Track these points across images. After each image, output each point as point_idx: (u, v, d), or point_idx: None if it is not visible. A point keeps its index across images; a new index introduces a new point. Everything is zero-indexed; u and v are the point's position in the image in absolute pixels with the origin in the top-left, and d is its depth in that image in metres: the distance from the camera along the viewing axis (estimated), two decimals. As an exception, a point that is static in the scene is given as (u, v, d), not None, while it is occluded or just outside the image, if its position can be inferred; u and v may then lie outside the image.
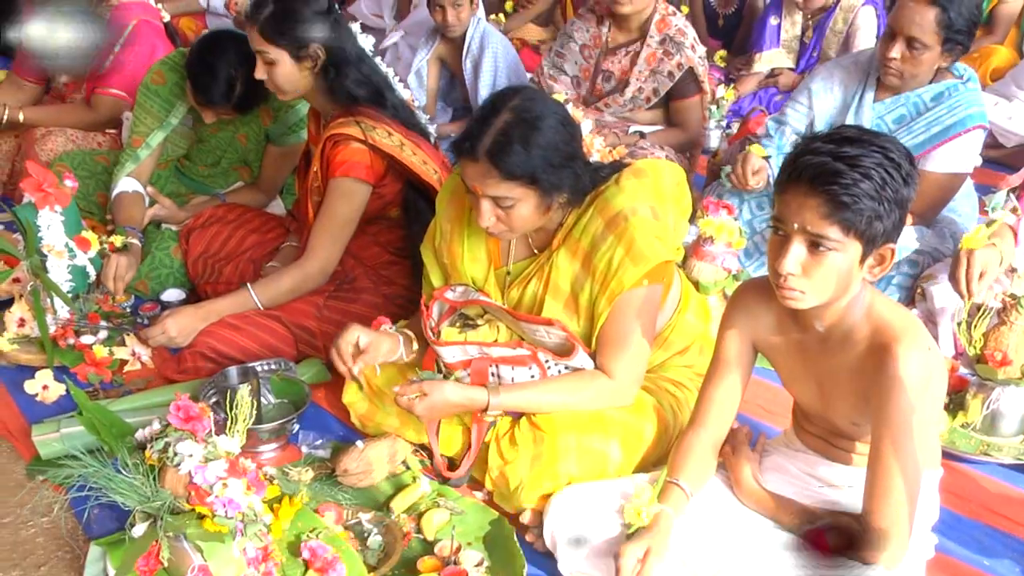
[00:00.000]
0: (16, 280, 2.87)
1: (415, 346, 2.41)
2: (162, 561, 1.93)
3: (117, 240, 3.02)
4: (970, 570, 2.15)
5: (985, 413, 2.55)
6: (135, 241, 3.08)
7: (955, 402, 2.59)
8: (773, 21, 5.10)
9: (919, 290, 2.94)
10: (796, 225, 1.71)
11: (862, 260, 1.74)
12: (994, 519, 2.32)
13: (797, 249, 1.73)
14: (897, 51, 2.96)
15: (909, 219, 2.95)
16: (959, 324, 2.62)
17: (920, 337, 1.81)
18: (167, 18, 4.00)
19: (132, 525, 1.99)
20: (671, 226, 2.20)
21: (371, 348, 2.33)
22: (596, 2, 3.96)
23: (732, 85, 5.05)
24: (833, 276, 1.74)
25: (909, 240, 3.06)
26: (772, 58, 5.10)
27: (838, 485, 2.02)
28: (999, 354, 2.52)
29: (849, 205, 1.66)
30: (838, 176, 1.66)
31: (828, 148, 1.70)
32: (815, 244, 1.71)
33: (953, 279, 2.65)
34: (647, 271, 2.13)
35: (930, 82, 3.06)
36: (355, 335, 2.33)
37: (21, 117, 3.71)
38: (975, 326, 2.58)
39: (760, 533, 1.96)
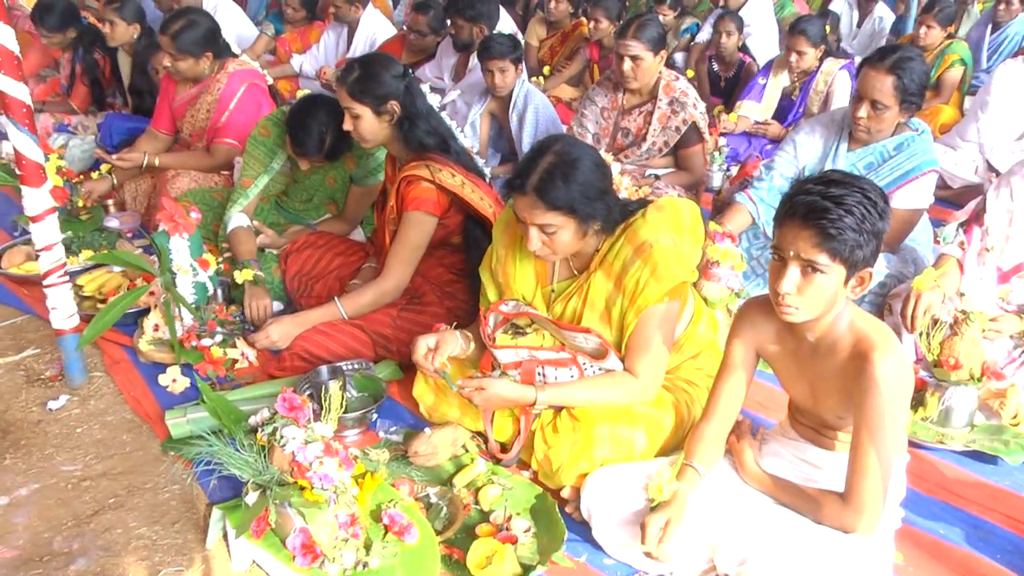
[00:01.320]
0: (152, 293, 2.89)
1: (472, 345, 2.40)
2: (271, 523, 1.95)
3: (246, 275, 3.01)
4: (929, 538, 2.13)
5: (941, 409, 2.51)
6: (260, 273, 3.08)
7: (916, 399, 2.54)
8: (760, 81, 5.10)
9: (887, 306, 2.91)
10: (792, 252, 1.71)
11: (846, 282, 1.74)
12: (948, 496, 2.29)
13: (793, 272, 1.72)
14: (864, 111, 2.95)
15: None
16: (919, 335, 2.59)
17: (893, 346, 1.80)
18: (271, 81, 4.03)
19: (246, 493, 2.00)
20: (687, 252, 2.18)
21: (440, 344, 2.32)
22: (613, 71, 3.95)
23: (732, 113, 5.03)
24: (822, 295, 1.74)
25: (880, 266, 3.03)
26: (749, 107, 5.07)
27: (824, 468, 1.99)
28: (952, 359, 2.48)
29: (835, 236, 1.66)
30: (826, 212, 1.66)
31: (818, 189, 1.70)
32: (808, 268, 1.71)
33: (902, 315, 2.65)
34: (667, 290, 2.12)
35: (892, 134, 3.04)
36: (425, 342, 2.33)
37: (157, 162, 3.76)
38: (932, 336, 2.54)
39: (760, 507, 1.94)
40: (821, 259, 1.68)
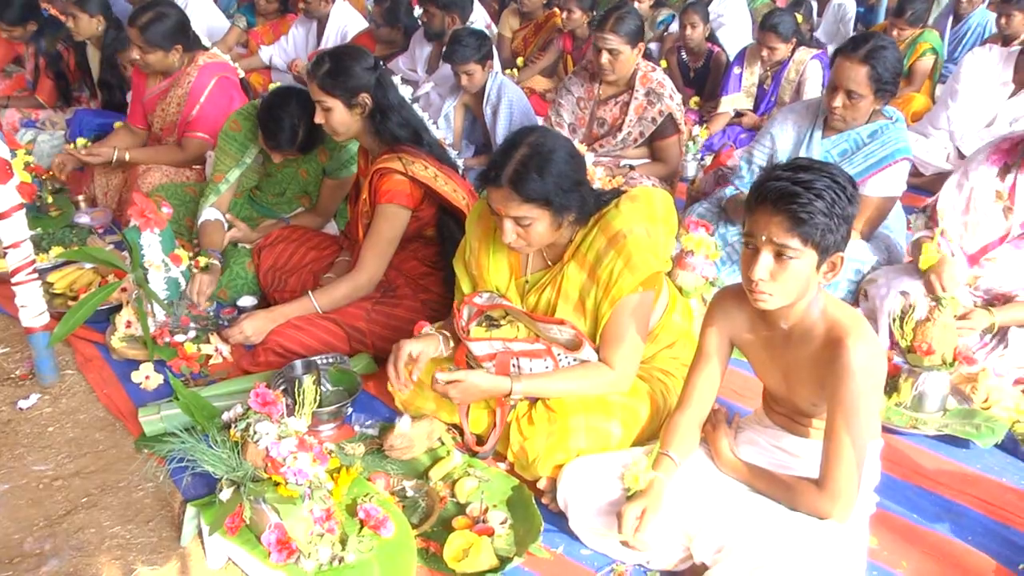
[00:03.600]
0: (124, 290, 2.86)
1: (451, 344, 2.39)
2: (245, 519, 1.93)
3: (202, 261, 3.01)
4: (903, 522, 2.15)
5: (914, 394, 2.53)
6: (215, 262, 3.07)
7: (890, 385, 2.56)
8: (736, 71, 5.13)
9: (863, 292, 2.92)
10: (764, 238, 1.72)
11: (818, 267, 1.74)
12: (922, 480, 2.31)
13: (765, 258, 1.73)
14: (839, 101, 2.96)
15: (855, 235, 2.96)
16: (893, 321, 2.61)
17: (866, 332, 1.80)
18: (242, 74, 3.98)
19: (220, 490, 1.98)
20: (661, 242, 2.18)
21: (421, 356, 2.30)
22: (589, 62, 3.95)
23: (704, 125, 5.06)
24: (795, 280, 1.74)
25: (867, 254, 3.05)
26: (733, 100, 5.12)
27: (799, 455, 1.99)
28: (925, 345, 2.50)
29: (807, 220, 1.66)
30: (796, 197, 1.66)
31: (787, 175, 1.70)
32: (780, 254, 1.71)
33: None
34: (641, 280, 2.12)
35: (867, 122, 3.05)
36: (408, 350, 2.29)
37: (127, 157, 3.71)
38: (906, 322, 2.56)
39: (736, 495, 1.94)
40: (793, 244, 1.69)
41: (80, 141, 3.99)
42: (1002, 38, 5.28)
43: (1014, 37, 5.15)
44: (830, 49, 5.40)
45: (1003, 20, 5.27)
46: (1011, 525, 2.14)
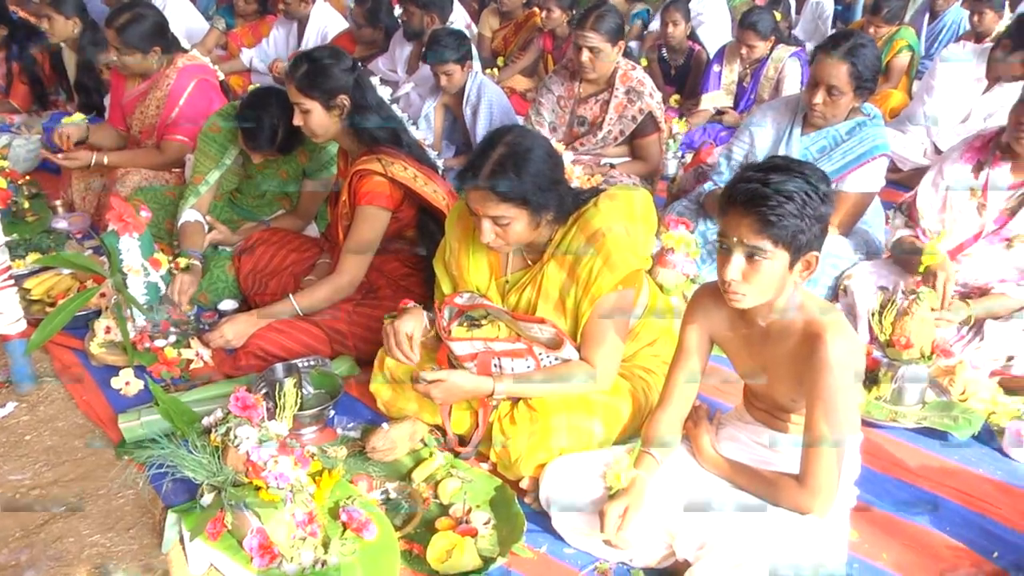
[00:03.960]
0: (103, 295, 2.83)
1: (432, 329, 2.37)
2: (227, 524, 1.91)
3: (182, 262, 2.99)
4: (884, 516, 2.15)
5: (893, 387, 2.54)
6: (196, 263, 3.05)
7: (870, 379, 2.58)
8: (716, 69, 5.14)
9: (842, 287, 2.94)
10: (736, 239, 1.72)
11: (791, 266, 1.74)
12: (902, 473, 2.32)
13: (737, 259, 1.74)
14: (820, 97, 2.98)
15: (834, 231, 2.97)
16: (872, 315, 2.62)
17: (844, 327, 1.81)
18: (222, 76, 3.95)
19: (201, 495, 1.97)
20: (640, 240, 2.18)
21: (414, 336, 2.30)
22: (569, 60, 3.94)
23: (684, 119, 5.07)
24: (768, 281, 1.74)
25: (847, 251, 3.06)
26: (713, 98, 5.13)
27: (779, 450, 2.00)
28: (904, 339, 2.51)
29: (776, 222, 1.67)
30: (766, 199, 1.67)
31: (758, 176, 1.71)
32: (751, 255, 1.72)
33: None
34: (621, 278, 2.12)
35: (845, 119, 3.07)
36: (404, 330, 2.28)
37: (106, 160, 3.67)
38: (885, 317, 2.57)
39: (718, 491, 1.95)
40: (763, 245, 1.69)
41: (78, 116, 3.91)
42: (975, 35, 5.33)
43: (986, 34, 5.20)
44: (808, 46, 5.43)
45: (975, 17, 5.32)
46: (987, 515, 2.16)
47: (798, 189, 1.66)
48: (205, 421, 2.23)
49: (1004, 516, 2.15)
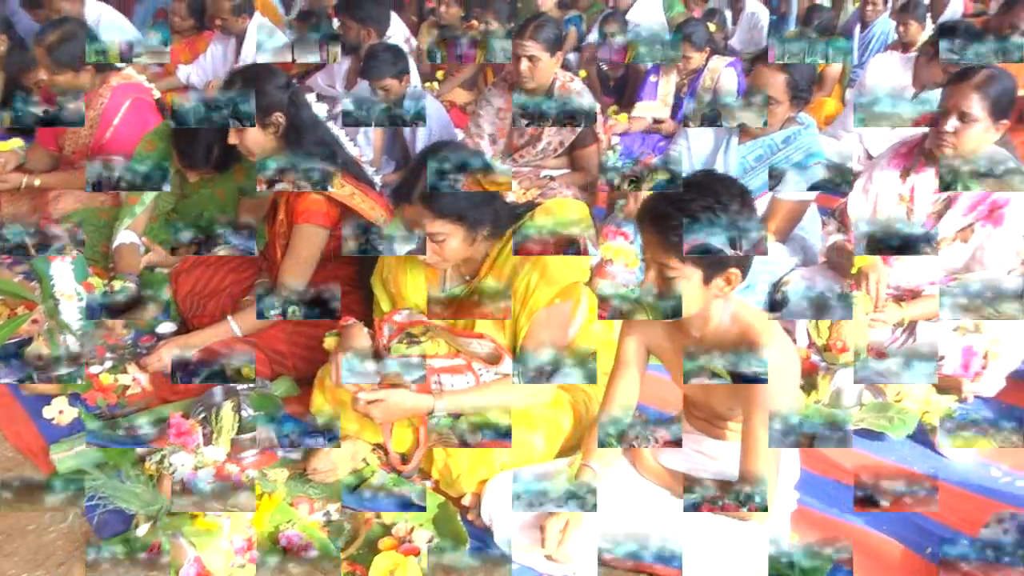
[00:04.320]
0: (35, 321, 2.75)
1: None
2: (163, 556, 1.87)
3: (116, 285, 2.91)
4: (824, 518, 2.18)
5: (831, 391, 2.58)
6: (131, 285, 2.97)
7: (808, 383, 2.61)
8: (652, 79, 5.20)
9: (779, 293, 2.98)
10: (649, 256, 1.78)
11: (707, 282, 1.76)
12: (840, 475, 2.35)
13: (651, 276, 1.79)
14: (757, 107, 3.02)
15: (770, 237, 3.02)
16: (809, 320, 2.67)
17: (777, 334, 1.84)
18: (158, 95, 3.89)
19: (136, 526, 1.92)
20: (577, 253, 2.19)
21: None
22: (508, 72, 3.96)
23: (623, 113, 5.10)
24: (685, 296, 1.77)
25: (784, 258, 3.11)
26: (648, 107, 5.18)
27: (718, 458, 2.02)
28: (840, 343, 2.56)
29: (677, 243, 1.69)
30: (668, 219, 1.70)
31: (669, 195, 1.75)
32: (662, 272, 1.75)
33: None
34: (558, 291, 2.13)
35: (781, 128, 3.13)
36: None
37: (37, 182, 3.58)
38: (821, 322, 2.61)
39: (659, 502, 1.96)
40: (671, 263, 1.73)
41: (15, 142, 3.81)
42: (902, 45, 5.49)
43: (912, 44, 5.36)
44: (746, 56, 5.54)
45: (902, 28, 5.47)
46: (921, 512, 2.19)
47: (704, 209, 1.68)
48: (139, 449, 2.17)
49: (937, 513, 2.18)
